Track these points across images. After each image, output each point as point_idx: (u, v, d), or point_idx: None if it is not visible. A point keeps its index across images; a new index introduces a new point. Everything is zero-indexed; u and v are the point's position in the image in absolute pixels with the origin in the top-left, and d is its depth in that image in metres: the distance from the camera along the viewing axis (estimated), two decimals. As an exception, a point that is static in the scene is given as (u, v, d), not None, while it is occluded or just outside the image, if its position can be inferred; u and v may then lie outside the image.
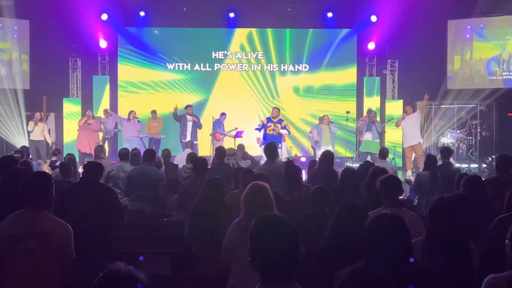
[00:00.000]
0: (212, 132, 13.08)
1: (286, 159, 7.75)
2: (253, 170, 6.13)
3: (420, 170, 8.67)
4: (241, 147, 10.95)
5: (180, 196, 6.24)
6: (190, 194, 5.77)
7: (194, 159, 7.06)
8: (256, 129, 11.99)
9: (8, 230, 3.41)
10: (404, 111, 12.76)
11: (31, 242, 3.36)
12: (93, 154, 9.42)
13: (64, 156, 9.59)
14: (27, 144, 12.45)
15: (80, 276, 3.27)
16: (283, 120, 11.78)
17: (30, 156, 9.56)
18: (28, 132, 13.25)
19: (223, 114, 13.39)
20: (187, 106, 13.32)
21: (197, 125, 12.96)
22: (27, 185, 3.53)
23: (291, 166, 5.71)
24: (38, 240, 3.37)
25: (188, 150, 9.95)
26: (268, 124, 11.52)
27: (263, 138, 11.52)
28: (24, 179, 3.59)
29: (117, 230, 5.44)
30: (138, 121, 13.24)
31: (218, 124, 13.11)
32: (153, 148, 13.03)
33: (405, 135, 12.62)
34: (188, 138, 12.25)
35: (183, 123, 13.00)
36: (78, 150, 12.62)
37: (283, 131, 11.50)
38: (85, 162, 5.96)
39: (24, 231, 3.38)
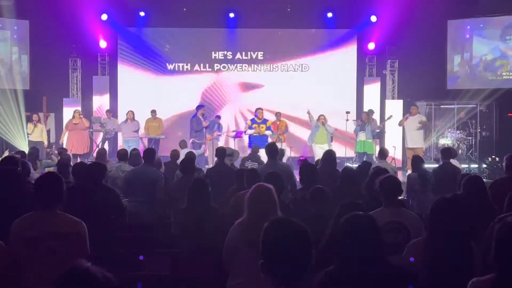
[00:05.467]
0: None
1: (302, 159, 7.77)
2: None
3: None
4: (254, 149, 10.85)
5: (169, 196, 6.23)
6: (177, 194, 5.76)
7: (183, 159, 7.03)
8: (245, 132, 12.13)
9: (24, 232, 3.38)
10: (409, 112, 12.78)
11: (52, 242, 3.36)
12: (95, 157, 9.38)
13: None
14: (27, 144, 12.46)
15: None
16: (267, 120, 11.92)
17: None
18: (28, 133, 13.21)
19: (217, 117, 13.36)
20: (199, 107, 12.90)
21: (208, 130, 12.68)
22: (39, 186, 3.52)
23: (308, 165, 5.70)
24: (58, 240, 3.38)
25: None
26: (253, 126, 11.64)
27: (248, 139, 11.68)
28: (36, 180, 3.58)
29: (119, 231, 5.41)
30: (134, 120, 13.16)
31: (212, 125, 13.00)
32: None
33: (407, 137, 12.64)
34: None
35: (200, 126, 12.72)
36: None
37: (267, 132, 11.65)
38: (89, 163, 5.90)
39: (42, 232, 3.37)
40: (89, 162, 6.85)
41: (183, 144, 11.00)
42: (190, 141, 12.13)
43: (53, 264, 3.34)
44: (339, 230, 2.64)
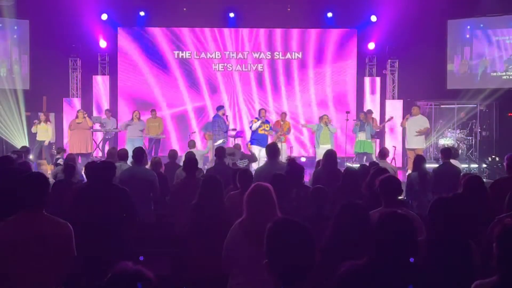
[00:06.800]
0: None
1: (288, 157, 7.80)
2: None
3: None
4: (237, 147, 10.87)
5: (172, 196, 6.22)
6: (181, 194, 5.74)
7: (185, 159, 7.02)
8: (251, 128, 12.29)
9: (8, 235, 3.30)
10: (409, 112, 12.72)
11: (36, 245, 3.29)
12: (106, 156, 9.34)
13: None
14: (27, 144, 12.43)
15: (94, 278, 3.24)
16: (269, 121, 12.31)
17: (31, 157, 9.42)
18: (32, 133, 13.14)
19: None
20: (220, 108, 12.67)
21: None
22: (23, 187, 3.39)
23: (294, 164, 5.69)
24: (42, 243, 3.30)
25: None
26: (260, 124, 11.91)
27: (251, 136, 11.99)
28: (19, 181, 3.43)
29: (131, 229, 5.33)
30: (140, 120, 13.17)
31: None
32: (153, 148, 13.06)
33: (408, 138, 12.58)
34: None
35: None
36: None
37: (271, 132, 12.13)
38: (99, 162, 5.86)
39: (27, 235, 3.30)
40: (99, 161, 6.81)
41: (192, 144, 10.97)
42: (220, 141, 11.94)
43: (36, 267, 3.28)
44: (377, 226, 2.64)
